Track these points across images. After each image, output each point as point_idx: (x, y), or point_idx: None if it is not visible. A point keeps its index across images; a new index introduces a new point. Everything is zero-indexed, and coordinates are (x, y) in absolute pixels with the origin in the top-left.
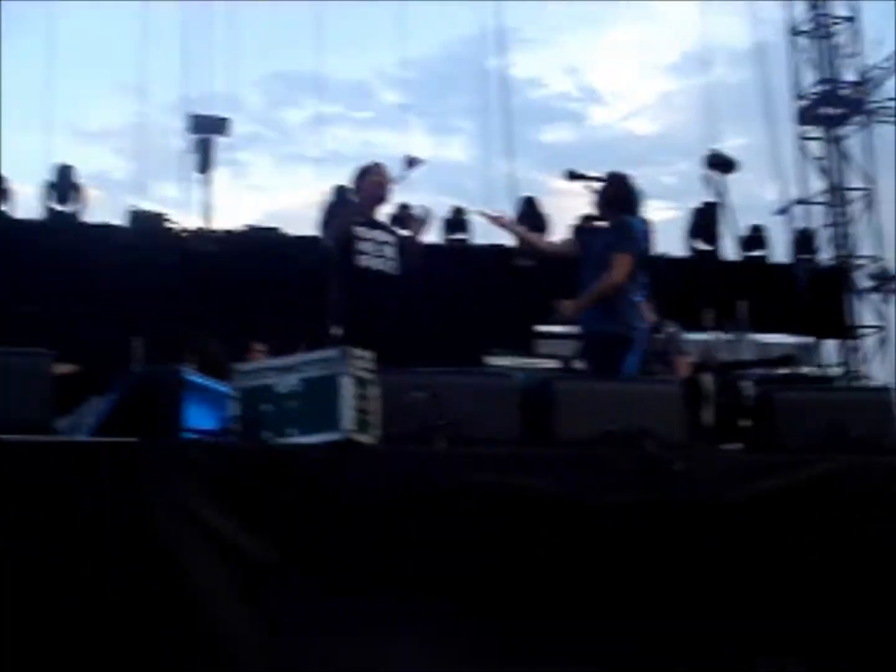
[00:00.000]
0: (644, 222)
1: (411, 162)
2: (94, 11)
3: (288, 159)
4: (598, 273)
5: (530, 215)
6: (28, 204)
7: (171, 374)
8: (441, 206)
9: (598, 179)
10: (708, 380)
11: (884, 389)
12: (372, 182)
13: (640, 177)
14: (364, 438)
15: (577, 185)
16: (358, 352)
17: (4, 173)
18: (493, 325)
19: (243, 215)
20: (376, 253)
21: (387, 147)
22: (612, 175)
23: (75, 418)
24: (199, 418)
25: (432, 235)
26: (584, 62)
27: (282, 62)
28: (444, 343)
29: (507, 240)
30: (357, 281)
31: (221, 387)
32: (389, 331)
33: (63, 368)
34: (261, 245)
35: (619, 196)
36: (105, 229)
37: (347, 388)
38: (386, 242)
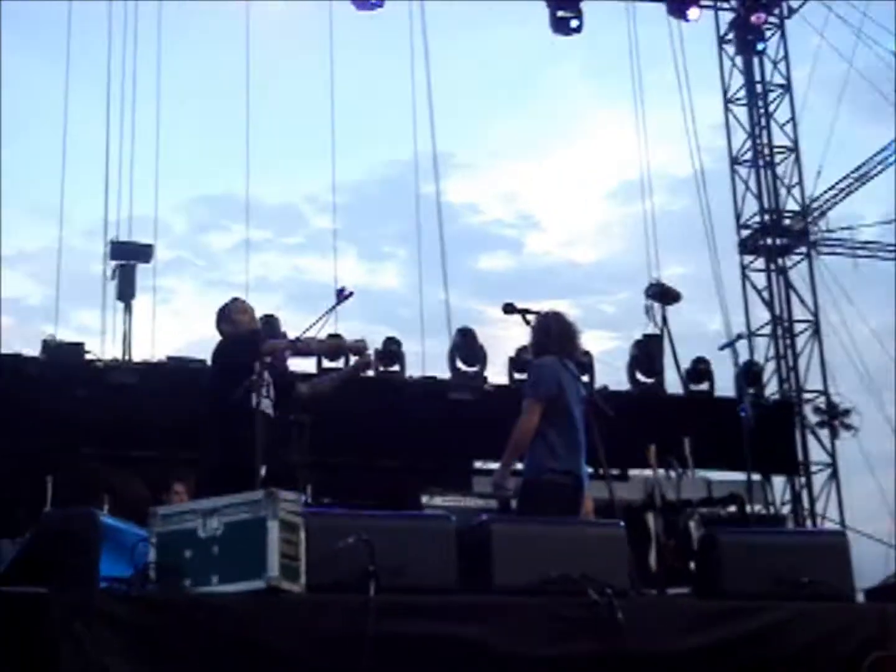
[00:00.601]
0: (561, 362)
1: (341, 294)
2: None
3: (212, 285)
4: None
5: (467, 347)
6: None
7: (85, 517)
8: (373, 336)
9: (534, 313)
10: (652, 520)
11: (839, 533)
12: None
13: (579, 306)
14: (290, 586)
15: (515, 318)
16: (286, 494)
17: None
18: (428, 462)
19: (164, 344)
20: (266, 394)
21: (317, 273)
22: (541, 314)
23: None
24: (113, 565)
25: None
26: (521, 188)
27: (207, 185)
28: (376, 481)
29: (443, 372)
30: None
31: (139, 531)
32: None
33: None
34: (182, 377)
35: (537, 336)
36: (17, 360)
37: (274, 532)
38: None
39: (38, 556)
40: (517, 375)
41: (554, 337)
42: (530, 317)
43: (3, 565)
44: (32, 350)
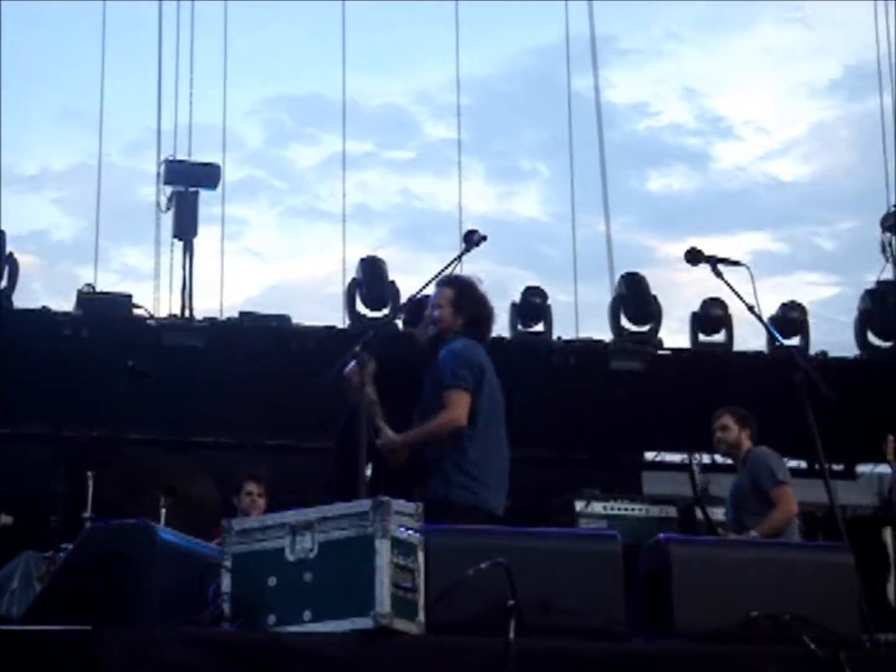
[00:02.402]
0: None
1: (471, 238)
2: (28, 23)
3: (296, 214)
4: None
5: (634, 298)
6: None
7: (139, 532)
8: (509, 282)
9: (733, 263)
10: (891, 537)
11: None
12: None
13: (786, 240)
14: (406, 626)
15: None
16: (399, 504)
17: None
18: (582, 452)
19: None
20: None
21: (432, 199)
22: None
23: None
24: (174, 596)
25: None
26: (706, 81)
27: (287, 83)
28: (513, 478)
29: (603, 332)
30: None
31: (208, 549)
32: None
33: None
34: (259, 338)
35: None
36: (43, 316)
37: (384, 555)
38: None
39: (79, 583)
40: (702, 337)
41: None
42: (724, 268)
43: (30, 589)
44: (64, 303)
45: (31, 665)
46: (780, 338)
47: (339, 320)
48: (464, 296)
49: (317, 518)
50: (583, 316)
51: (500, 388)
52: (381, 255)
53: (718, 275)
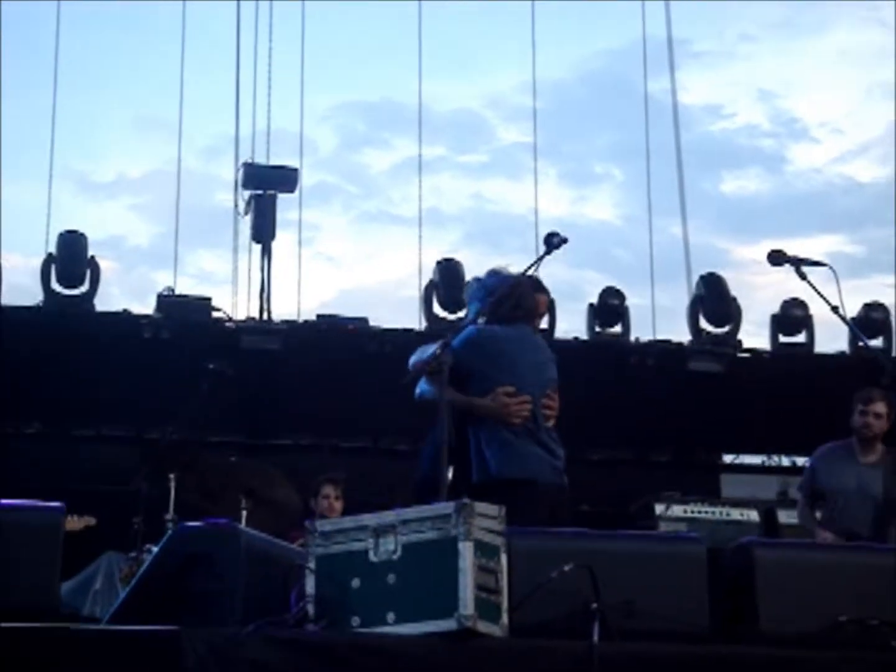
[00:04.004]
0: None
1: (552, 240)
2: (105, 30)
3: (369, 219)
4: None
5: (714, 300)
6: (20, 285)
7: (225, 533)
8: (583, 285)
9: (814, 264)
10: None
11: None
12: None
13: (863, 242)
14: (489, 629)
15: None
16: (482, 506)
17: None
18: (661, 454)
19: (311, 299)
20: None
21: (505, 202)
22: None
23: (82, 582)
24: (259, 595)
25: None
26: (781, 83)
27: (361, 88)
28: (591, 480)
29: (680, 334)
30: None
31: (291, 550)
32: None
33: (74, 523)
34: (337, 341)
35: None
36: (124, 319)
37: (468, 557)
38: None
39: (165, 584)
40: (783, 338)
41: None
42: (807, 269)
43: (112, 590)
44: (142, 307)
45: (118, 664)
46: (864, 339)
47: (414, 323)
48: None
49: (400, 520)
50: (658, 319)
51: None
52: (455, 256)
53: (802, 276)
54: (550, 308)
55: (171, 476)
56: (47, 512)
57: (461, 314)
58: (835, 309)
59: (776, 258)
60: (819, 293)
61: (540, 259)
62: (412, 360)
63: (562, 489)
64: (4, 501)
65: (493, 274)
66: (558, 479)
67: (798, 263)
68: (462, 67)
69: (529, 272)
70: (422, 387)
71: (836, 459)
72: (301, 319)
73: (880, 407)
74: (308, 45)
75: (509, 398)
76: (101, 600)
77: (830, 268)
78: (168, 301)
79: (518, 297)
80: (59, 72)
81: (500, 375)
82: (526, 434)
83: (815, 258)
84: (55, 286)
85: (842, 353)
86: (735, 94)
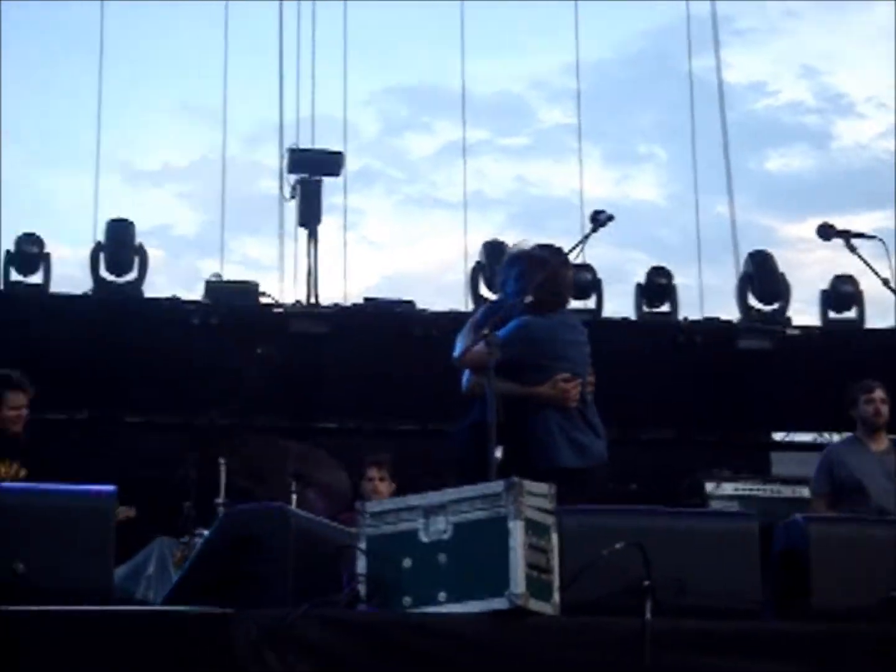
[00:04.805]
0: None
1: (598, 218)
2: (149, 19)
3: (412, 203)
4: None
5: (763, 277)
6: (70, 273)
7: (275, 515)
8: (628, 265)
9: (864, 237)
10: None
11: None
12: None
13: None
14: (541, 607)
15: (834, 243)
16: (531, 485)
17: (38, 232)
18: (710, 433)
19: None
20: None
21: (548, 185)
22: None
23: (135, 567)
24: (310, 577)
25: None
26: (826, 58)
27: (403, 72)
28: (640, 459)
29: (728, 312)
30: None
31: (340, 532)
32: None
33: (122, 512)
34: (385, 324)
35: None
36: (174, 305)
37: (518, 536)
38: None
39: (217, 567)
40: (832, 314)
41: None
42: (857, 242)
43: (166, 574)
44: (190, 294)
45: (170, 646)
46: None
47: (460, 306)
48: None
49: (450, 500)
50: (706, 298)
51: None
52: (500, 238)
53: (852, 249)
54: (597, 288)
55: (221, 461)
56: (100, 496)
57: None
58: (885, 282)
59: (825, 232)
60: (870, 266)
61: (587, 236)
62: (458, 348)
63: (607, 465)
64: (57, 486)
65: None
66: (605, 458)
67: (848, 237)
68: (504, 49)
69: (576, 250)
70: (469, 377)
71: (851, 452)
72: (348, 303)
73: (881, 393)
74: (350, 30)
75: (566, 384)
76: (154, 585)
77: (881, 240)
78: (216, 287)
79: (558, 284)
80: (103, 61)
81: (555, 363)
82: (578, 416)
83: (865, 232)
84: (104, 274)
85: (893, 329)
86: (779, 70)
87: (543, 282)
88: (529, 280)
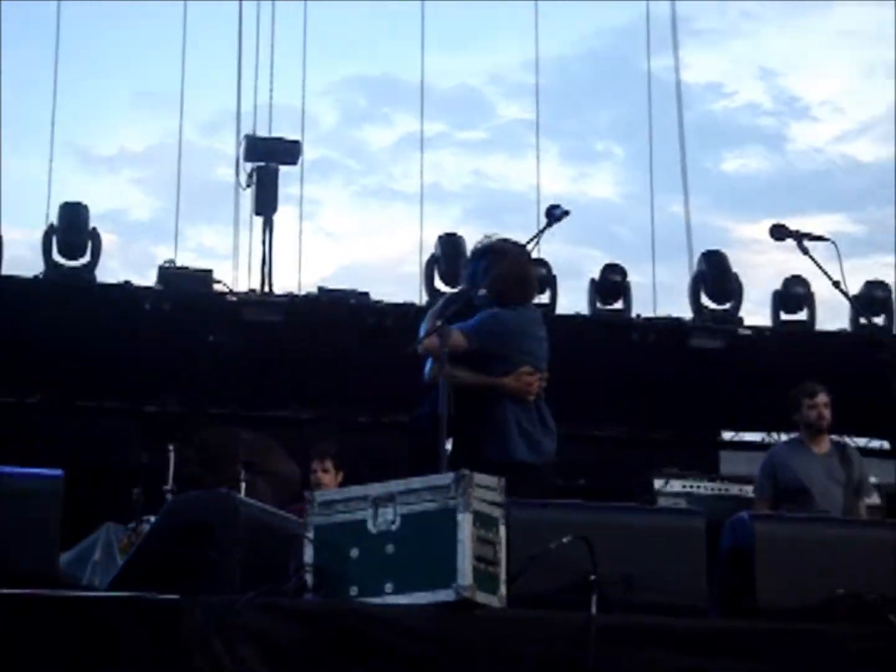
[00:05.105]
0: None
1: (553, 213)
2: (107, 5)
3: (370, 194)
4: None
5: (716, 277)
6: (21, 255)
7: (223, 502)
8: (583, 262)
9: (816, 238)
10: None
11: None
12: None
13: (863, 222)
14: (487, 599)
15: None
16: (481, 478)
17: None
18: (661, 431)
19: (311, 274)
20: None
21: (505, 179)
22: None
23: (81, 553)
24: (258, 565)
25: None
26: (782, 61)
27: (361, 64)
28: (592, 456)
29: (681, 310)
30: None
31: (288, 521)
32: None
33: None
34: (339, 315)
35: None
36: (126, 291)
37: (466, 528)
38: None
39: (164, 553)
40: (784, 315)
41: None
42: (810, 244)
43: (112, 560)
44: (143, 280)
45: (117, 632)
46: (865, 315)
47: (415, 299)
48: None
49: (399, 490)
50: (659, 297)
51: None
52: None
53: (804, 250)
54: (552, 284)
55: (171, 447)
56: (47, 478)
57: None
58: (836, 284)
59: (778, 232)
60: (821, 268)
61: (542, 231)
62: (421, 333)
63: (556, 463)
64: (3, 468)
65: (487, 249)
66: (554, 455)
67: (800, 238)
68: (463, 43)
69: (531, 244)
70: (431, 366)
71: (795, 455)
72: (303, 293)
73: (824, 397)
74: (310, 20)
75: (529, 377)
76: (101, 571)
77: (833, 242)
78: (169, 273)
79: (526, 278)
80: (59, 46)
81: (521, 356)
82: (534, 410)
83: (818, 234)
84: (56, 257)
85: (843, 331)
86: (737, 71)
87: (512, 275)
88: (498, 273)
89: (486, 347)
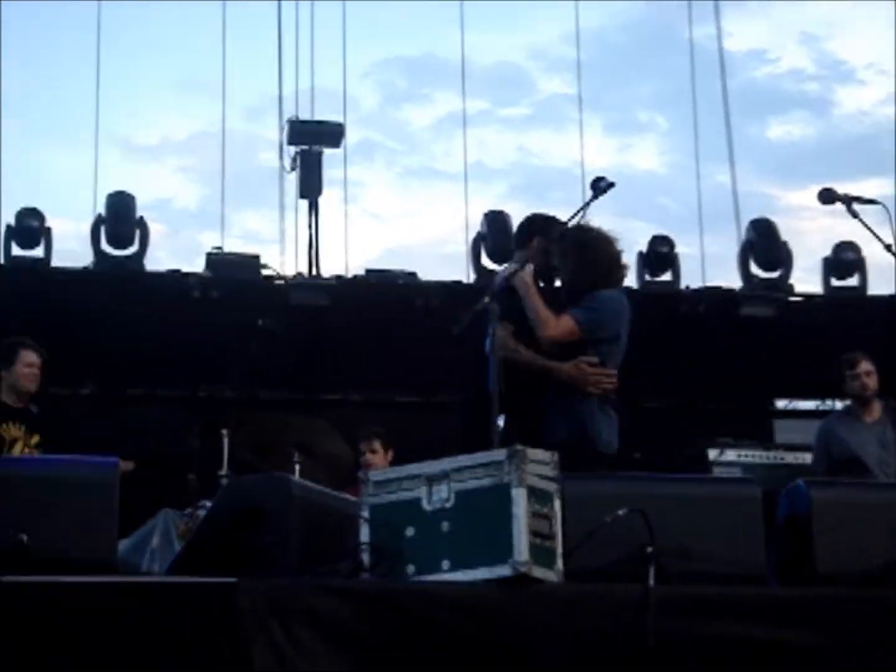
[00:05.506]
0: None
1: (598, 185)
2: None
3: (413, 175)
4: None
5: (764, 245)
6: (70, 247)
7: (277, 485)
8: (629, 234)
9: (866, 201)
10: None
11: None
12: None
13: None
14: (544, 574)
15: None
16: (534, 452)
17: (38, 207)
18: (713, 401)
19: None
20: None
21: (549, 155)
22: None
23: (139, 540)
24: (314, 546)
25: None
26: (826, 25)
27: (401, 43)
28: (643, 427)
29: (730, 280)
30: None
31: (343, 501)
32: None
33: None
34: (387, 296)
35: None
36: (175, 278)
37: (521, 503)
38: None
39: (220, 538)
40: (835, 282)
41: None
42: (859, 207)
43: (170, 546)
44: (191, 268)
45: (175, 616)
46: None
47: (462, 277)
48: None
49: (452, 468)
50: (707, 267)
51: None
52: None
53: (854, 214)
54: None
55: (224, 433)
56: (102, 466)
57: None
58: (889, 248)
59: (827, 196)
60: (872, 231)
61: (587, 204)
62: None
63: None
64: (61, 457)
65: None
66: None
67: (849, 201)
68: (503, 19)
69: (577, 218)
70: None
71: (845, 425)
72: (350, 275)
73: (866, 365)
74: (348, 2)
75: (592, 368)
76: (159, 557)
77: (883, 205)
78: (217, 259)
79: (617, 260)
80: (102, 36)
81: (621, 342)
82: (609, 404)
83: (868, 197)
84: (105, 247)
85: (895, 296)
86: (779, 38)
87: (612, 258)
88: (594, 258)
89: (615, 329)
